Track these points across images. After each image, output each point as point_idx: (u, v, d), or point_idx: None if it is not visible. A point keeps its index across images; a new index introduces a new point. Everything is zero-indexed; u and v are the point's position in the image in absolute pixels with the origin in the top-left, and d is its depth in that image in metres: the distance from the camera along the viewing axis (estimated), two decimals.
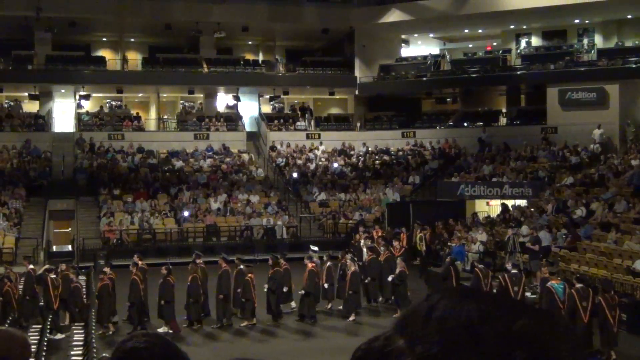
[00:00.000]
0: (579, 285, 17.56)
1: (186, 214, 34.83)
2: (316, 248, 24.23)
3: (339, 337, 19.32)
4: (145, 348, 2.17)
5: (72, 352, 16.10)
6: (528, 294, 20.46)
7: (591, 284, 18.46)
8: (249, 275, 20.61)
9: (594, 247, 24.70)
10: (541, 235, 26.19)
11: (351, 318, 21.05)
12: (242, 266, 21.14)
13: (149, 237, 33.64)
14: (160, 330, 18.97)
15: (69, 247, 33.36)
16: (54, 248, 33.45)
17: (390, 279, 22.06)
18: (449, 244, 28.45)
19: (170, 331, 19.20)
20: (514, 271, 20.06)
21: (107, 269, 21.30)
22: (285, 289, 21.36)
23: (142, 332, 2.29)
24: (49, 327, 18.51)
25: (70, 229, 35.00)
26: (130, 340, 2.25)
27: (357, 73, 44.97)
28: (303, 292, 20.97)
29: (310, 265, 21.41)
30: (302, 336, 19.86)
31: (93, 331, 17.76)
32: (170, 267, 20.83)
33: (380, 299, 23.58)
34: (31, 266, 22.43)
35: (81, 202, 35.68)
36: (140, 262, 21.77)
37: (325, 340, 19.16)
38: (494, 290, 20.39)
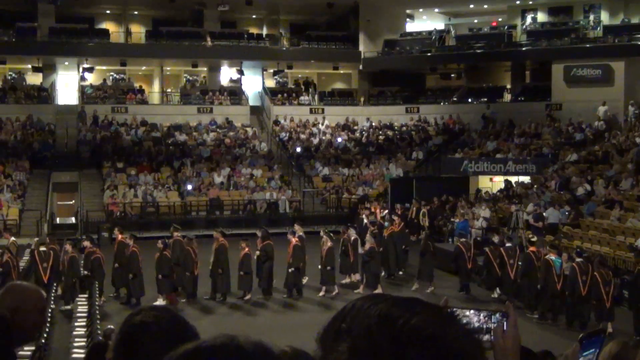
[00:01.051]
0: (579, 259, 17.86)
1: (189, 187, 34.88)
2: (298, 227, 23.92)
3: (330, 312, 19.31)
4: (154, 322, 2.18)
5: (76, 324, 16.18)
6: None
7: (591, 258, 18.64)
8: (246, 249, 20.65)
9: (597, 224, 24.72)
10: (549, 212, 26.24)
11: (321, 293, 21.08)
12: (222, 239, 21.08)
13: (153, 210, 33.72)
14: (156, 303, 19.19)
15: (73, 220, 33.48)
16: (58, 220, 33.56)
17: (360, 251, 22.01)
18: (452, 219, 28.49)
19: (166, 302, 19.32)
20: (508, 244, 20.68)
21: (87, 243, 21.22)
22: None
23: (151, 305, 2.31)
24: (52, 298, 18.59)
25: (73, 201, 35.08)
26: (139, 314, 2.26)
27: (361, 48, 44.77)
28: (292, 269, 20.93)
29: (294, 240, 21.38)
30: (294, 311, 19.94)
31: (97, 302, 17.87)
32: (167, 241, 20.80)
33: (383, 273, 23.69)
34: (12, 238, 22.38)
35: (85, 175, 35.73)
36: (120, 236, 21.80)
37: (311, 315, 19.24)
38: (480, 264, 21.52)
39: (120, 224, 28.38)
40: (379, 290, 21.29)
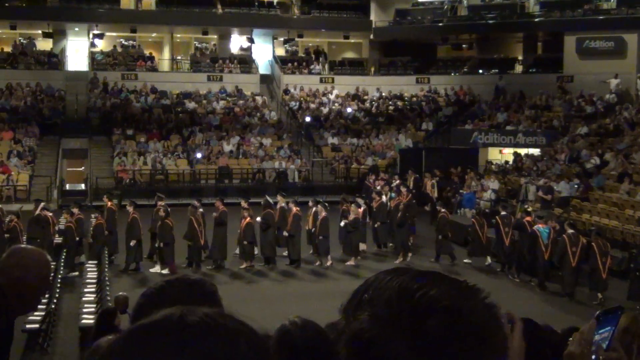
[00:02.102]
0: (570, 231, 18.12)
1: (199, 155, 34.92)
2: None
3: (329, 282, 19.55)
4: (175, 285, 2.21)
5: (85, 290, 16.31)
6: None
7: (585, 230, 18.94)
8: (248, 218, 20.68)
9: (607, 197, 24.66)
10: (561, 186, 26.21)
11: (328, 263, 21.10)
12: (222, 208, 21.17)
13: (162, 177, 33.77)
14: (153, 270, 19.83)
15: (82, 186, 33.58)
16: (67, 186, 33.66)
17: (342, 224, 22.03)
18: (460, 191, 28.47)
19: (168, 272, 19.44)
20: (503, 213, 21.00)
21: (75, 210, 21.24)
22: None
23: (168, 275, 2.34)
24: (62, 264, 18.70)
25: (83, 167, 35.18)
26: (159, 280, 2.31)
27: (372, 17, 44.48)
28: (287, 234, 21.04)
29: (295, 209, 21.42)
30: (295, 279, 20.09)
31: (106, 269, 17.99)
32: (169, 209, 20.86)
33: (391, 244, 23.73)
34: None
35: (94, 142, 35.79)
36: (109, 203, 21.98)
37: (312, 284, 19.40)
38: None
39: (130, 190, 28.49)
40: (352, 262, 21.34)
